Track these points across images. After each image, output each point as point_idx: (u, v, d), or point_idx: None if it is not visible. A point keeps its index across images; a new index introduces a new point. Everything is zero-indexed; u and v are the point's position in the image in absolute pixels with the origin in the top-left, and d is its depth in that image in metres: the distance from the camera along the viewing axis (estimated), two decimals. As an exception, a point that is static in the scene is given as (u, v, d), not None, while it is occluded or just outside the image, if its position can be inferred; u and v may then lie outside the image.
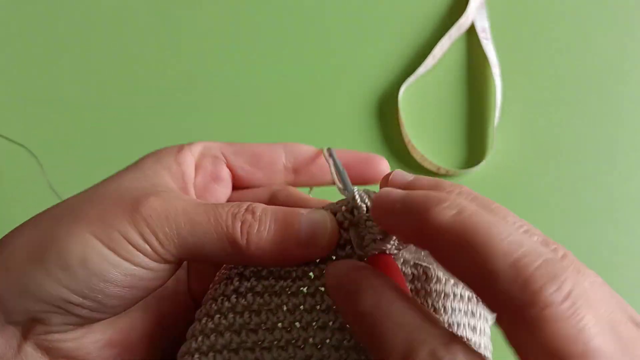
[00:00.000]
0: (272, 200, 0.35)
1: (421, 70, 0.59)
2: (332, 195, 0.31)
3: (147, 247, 0.27)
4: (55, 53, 0.59)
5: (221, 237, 0.28)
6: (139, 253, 0.27)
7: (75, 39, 0.60)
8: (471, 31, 0.61)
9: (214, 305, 0.30)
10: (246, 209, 0.28)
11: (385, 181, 0.29)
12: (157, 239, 0.27)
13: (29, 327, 0.27)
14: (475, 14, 0.60)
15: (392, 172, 0.30)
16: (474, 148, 0.58)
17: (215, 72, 0.59)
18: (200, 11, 0.61)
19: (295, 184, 0.36)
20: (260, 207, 0.29)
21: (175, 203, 0.28)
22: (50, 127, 0.57)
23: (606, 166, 0.57)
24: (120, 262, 0.27)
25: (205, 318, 0.29)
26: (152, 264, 0.28)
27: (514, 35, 0.61)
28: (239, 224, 0.28)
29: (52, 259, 0.26)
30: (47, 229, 0.27)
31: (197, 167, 0.33)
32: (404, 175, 0.30)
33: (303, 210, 0.29)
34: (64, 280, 0.26)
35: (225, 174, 0.34)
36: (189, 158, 0.33)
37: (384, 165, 0.35)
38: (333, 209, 0.29)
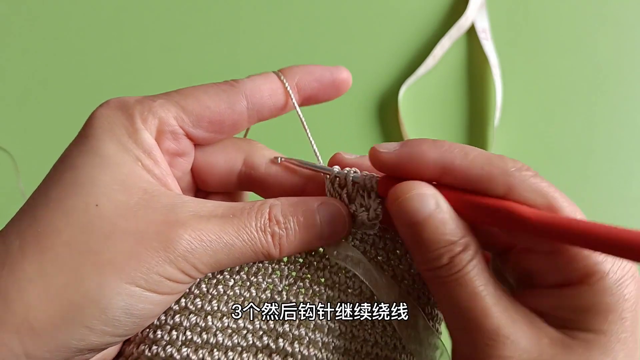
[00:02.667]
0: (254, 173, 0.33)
1: (421, 70, 0.59)
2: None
3: (188, 278, 0.27)
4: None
5: (257, 253, 0.28)
6: (180, 285, 0.27)
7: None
8: (471, 32, 0.61)
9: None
10: (269, 219, 0.29)
11: (375, 158, 0.30)
12: (197, 269, 0.27)
13: None
14: (475, 14, 0.60)
15: (376, 148, 0.31)
16: (474, 148, 0.58)
17: (215, 72, 0.59)
18: (201, 10, 0.61)
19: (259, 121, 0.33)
20: (279, 212, 0.29)
21: (205, 229, 0.27)
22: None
23: (606, 166, 0.58)
24: (163, 299, 0.27)
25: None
26: (187, 287, 0.28)
27: (514, 35, 0.61)
28: (270, 238, 0.29)
29: (93, 316, 0.25)
30: (68, 281, 0.25)
31: (158, 146, 0.31)
32: (389, 145, 0.31)
33: (316, 202, 0.30)
34: (109, 331, 0.26)
35: (188, 146, 0.32)
36: (150, 140, 0.29)
37: (344, 74, 0.34)
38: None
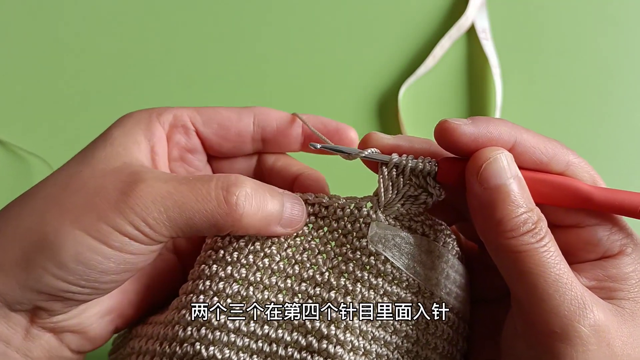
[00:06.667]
0: (264, 169, 0.36)
1: (421, 70, 0.59)
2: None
3: (139, 233, 0.28)
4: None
5: (213, 213, 0.28)
6: (131, 241, 0.28)
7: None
8: (471, 32, 0.61)
9: (227, 256, 0.31)
10: (235, 183, 0.29)
11: (450, 131, 0.30)
12: (148, 224, 0.28)
13: (33, 314, 0.29)
14: (475, 14, 0.60)
15: (451, 121, 0.31)
16: (474, 148, 0.58)
17: (216, 72, 0.59)
18: (204, 10, 0.61)
19: (263, 152, 0.37)
20: (249, 183, 0.29)
21: (158, 186, 0.28)
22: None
23: (606, 166, 0.58)
24: (113, 254, 0.28)
25: (216, 265, 0.31)
26: (144, 248, 0.29)
27: (514, 35, 0.61)
28: (234, 199, 0.28)
29: (47, 257, 0.27)
30: (33, 225, 0.28)
31: (169, 139, 0.34)
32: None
33: (280, 189, 0.31)
34: (60, 275, 0.27)
35: (198, 144, 0.35)
36: (159, 132, 0.33)
37: (352, 134, 0.36)
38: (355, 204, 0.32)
